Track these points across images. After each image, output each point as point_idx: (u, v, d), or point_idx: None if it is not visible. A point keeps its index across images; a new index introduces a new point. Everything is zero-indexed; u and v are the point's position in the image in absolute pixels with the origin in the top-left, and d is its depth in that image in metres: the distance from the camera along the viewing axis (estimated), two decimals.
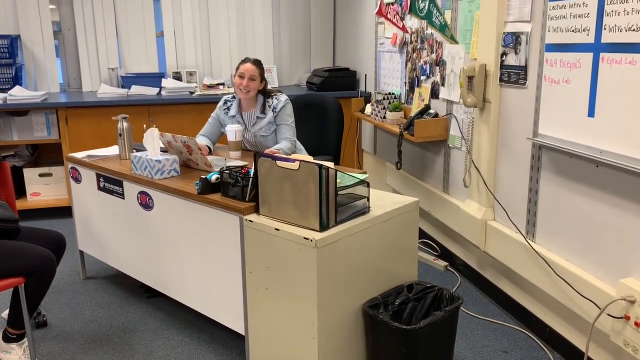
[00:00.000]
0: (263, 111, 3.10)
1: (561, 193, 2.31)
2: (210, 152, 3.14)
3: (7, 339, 2.45)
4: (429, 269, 3.40)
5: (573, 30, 2.09)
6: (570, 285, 2.21)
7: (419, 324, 2.05)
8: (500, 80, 2.65)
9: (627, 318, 1.91)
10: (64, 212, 4.20)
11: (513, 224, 2.62)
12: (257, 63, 3.07)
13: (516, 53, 2.52)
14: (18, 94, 4.19)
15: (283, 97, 3.14)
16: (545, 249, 2.42)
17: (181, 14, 4.88)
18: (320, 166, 1.96)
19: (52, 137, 4.27)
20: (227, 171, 2.34)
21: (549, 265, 2.34)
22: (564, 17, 2.14)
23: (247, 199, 2.25)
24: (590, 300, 2.10)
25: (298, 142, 3.20)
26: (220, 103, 3.24)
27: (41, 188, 4.37)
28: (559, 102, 2.20)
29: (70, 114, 4.21)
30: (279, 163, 2.07)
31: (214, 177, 2.38)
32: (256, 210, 2.22)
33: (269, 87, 3.29)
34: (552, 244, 2.40)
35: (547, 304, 2.54)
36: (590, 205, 2.16)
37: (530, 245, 2.46)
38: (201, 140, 3.16)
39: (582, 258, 2.22)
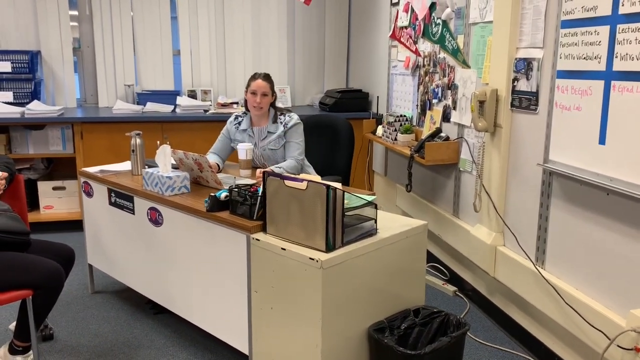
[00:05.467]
0: (274, 122, 3.12)
1: (571, 220, 2.29)
2: (219, 170, 3.16)
3: (13, 351, 2.46)
4: (437, 293, 3.37)
5: (585, 58, 2.09)
6: (580, 315, 2.18)
7: (424, 349, 2.03)
8: (512, 105, 2.65)
9: (637, 350, 1.87)
10: (76, 225, 4.23)
11: (523, 250, 2.60)
12: (267, 78, 3.10)
13: (528, 79, 2.52)
14: (36, 109, 4.27)
15: (295, 116, 3.17)
16: (555, 277, 2.39)
17: (198, 33, 4.96)
18: (328, 187, 1.96)
19: (66, 151, 4.34)
20: (236, 189, 2.36)
21: (558, 294, 2.30)
22: (576, 44, 2.14)
23: (254, 218, 2.25)
24: (600, 331, 2.06)
25: (306, 161, 3.22)
26: (231, 118, 3.27)
27: (54, 201, 4.42)
28: (570, 129, 2.20)
29: (86, 129, 4.27)
30: (287, 183, 2.08)
31: (223, 194, 2.39)
32: (263, 229, 2.22)
33: (282, 105, 3.32)
34: (562, 271, 2.36)
35: (556, 332, 2.50)
36: (600, 234, 2.13)
37: (540, 273, 2.43)
38: (211, 158, 3.18)
39: (592, 287, 2.19)
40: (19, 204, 2.72)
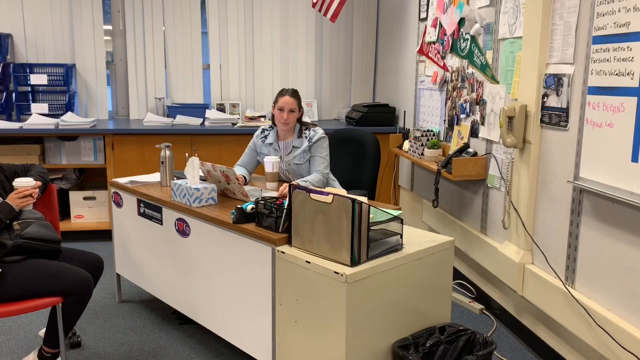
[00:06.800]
0: (299, 137, 3.15)
1: (603, 239, 2.24)
2: (246, 182, 3.19)
3: (43, 357, 2.51)
4: (464, 311, 3.32)
5: (617, 74, 2.06)
6: (611, 336, 2.12)
7: None
8: (541, 121, 2.62)
9: None
10: (105, 235, 4.32)
11: (552, 269, 2.54)
12: (295, 94, 3.13)
13: (558, 95, 2.49)
14: (69, 120, 4.39)
15: (320, 131, 3.18)
16: (585, 297, 2.33)
17: (227, 48, 5.05)
18: (354, 201, 1.96)
19: (98, 162, 4.43)
20: (262, 202, 2.37)
21: (589, 314, 2.25)
22: (608, 60, 2.11)
23: (280, 230, 2.26)
24: (632, 353, 2.00)
25: (331, 175, 3.22)
26: (258, 132, 3.30)
27: (85, 211, 4.52)
28: (601, 146, 2.16)
29: (117, 141, 4.37)
30: (312, 196, 2.09)
31: (249, 207, 2.41)
32: (289, 241, 2.23)
33: (308, 120, 3.34)
34: (593, 291, 2.31)
35: (586, 354, 2.43)
36: (633, 253, 2.08)
37: (570, 292, 2.37)
38: (238, 170, 3.22)
39: (624, 308, 2.13)
40: (51, 212, 2.79)
